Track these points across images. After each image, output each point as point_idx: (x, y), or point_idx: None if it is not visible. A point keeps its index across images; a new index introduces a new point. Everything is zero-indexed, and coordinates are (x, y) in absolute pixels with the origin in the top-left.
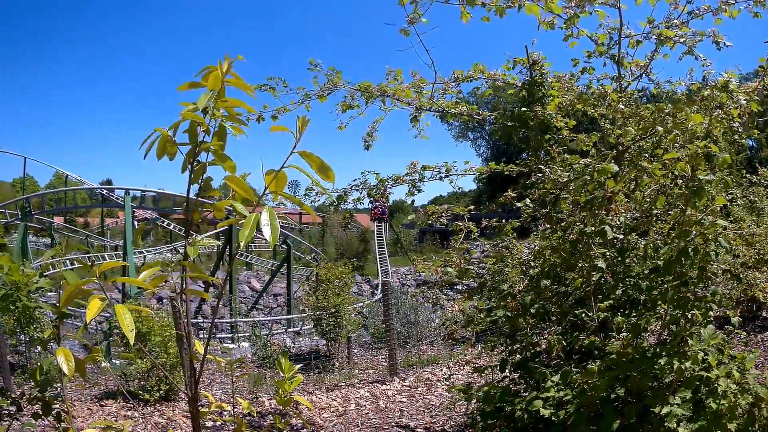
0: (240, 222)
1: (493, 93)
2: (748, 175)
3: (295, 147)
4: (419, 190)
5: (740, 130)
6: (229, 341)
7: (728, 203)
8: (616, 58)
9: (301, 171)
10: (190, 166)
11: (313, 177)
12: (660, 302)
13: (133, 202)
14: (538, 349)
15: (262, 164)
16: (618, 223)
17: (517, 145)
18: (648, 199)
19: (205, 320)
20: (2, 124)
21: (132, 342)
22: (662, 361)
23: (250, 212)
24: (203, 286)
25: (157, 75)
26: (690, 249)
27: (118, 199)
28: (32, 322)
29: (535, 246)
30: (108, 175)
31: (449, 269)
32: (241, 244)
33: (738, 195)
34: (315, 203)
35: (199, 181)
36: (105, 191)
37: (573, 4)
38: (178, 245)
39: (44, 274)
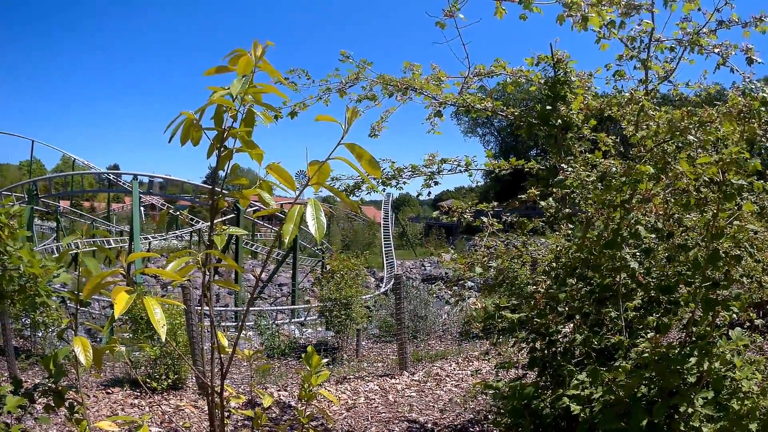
0: (279, 211)
1: (513, 89)
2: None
3: (342, 138)
4: (436, 183)
5: (764, 138)
6: (234, 329)
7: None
8: (645, 61)
9: (348, 163)
10: (216, 152)
11: (360, 170)
12: (684, 303)
13: (141, 188)
14: (564, 347)
15: (306, 152)
16: (650, 223)
17: (526, 142)
18: (675, 202)
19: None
20: (11, 107)
21: (164, 338)
22: (693, 360)
23: (276, 202)
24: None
25: (166, 60)
26: (722, 252)
27: (125, 184)
28: (38, 306)
29: (555, 245)
30: (115, 159)
31: (478, 268)
32: (285, 240)
33: (751, 200)
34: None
35: (225, 168)
36: (112, 176)
37: (619, 9)
38: (183, 232)
39: (59, 259)
